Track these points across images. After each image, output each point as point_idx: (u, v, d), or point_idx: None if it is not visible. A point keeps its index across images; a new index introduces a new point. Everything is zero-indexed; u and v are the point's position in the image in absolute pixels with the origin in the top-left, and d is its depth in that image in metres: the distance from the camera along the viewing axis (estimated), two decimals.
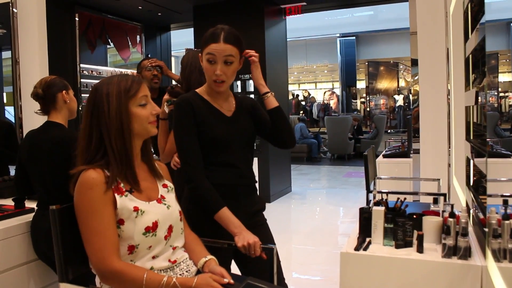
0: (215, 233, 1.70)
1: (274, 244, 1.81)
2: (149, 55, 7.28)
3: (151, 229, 1.38)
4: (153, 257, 1.40)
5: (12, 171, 3.08)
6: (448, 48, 3.37)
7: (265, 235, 1.82)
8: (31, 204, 2.31)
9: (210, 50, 1.67)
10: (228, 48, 1.66)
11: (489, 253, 1.67)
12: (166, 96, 2.37)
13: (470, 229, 2.07)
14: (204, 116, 1.74)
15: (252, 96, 6.17)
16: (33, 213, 2.19)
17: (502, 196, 2.09)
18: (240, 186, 1.79)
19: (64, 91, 2.18)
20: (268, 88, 1.85)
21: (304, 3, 6.44)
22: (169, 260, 1.44)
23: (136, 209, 1.36)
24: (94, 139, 1.38)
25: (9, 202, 2.39)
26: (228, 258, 1.79)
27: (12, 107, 5.02)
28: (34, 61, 5.22)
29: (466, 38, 2.28)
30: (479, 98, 1.97)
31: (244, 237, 1.60)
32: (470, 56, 2.17)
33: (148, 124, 1.45)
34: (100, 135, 1.38)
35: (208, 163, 1.74)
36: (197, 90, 1.83)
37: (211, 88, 1.76)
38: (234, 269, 1.80)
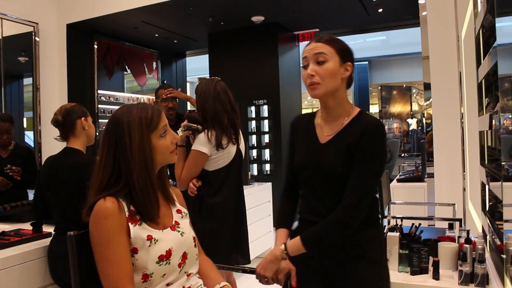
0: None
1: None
2: (165, 81, 7.41)
3: (165, 257, 1.38)
4: (167, 284, 1.40)
5: (31, 195, 3.13)
6: (460, 72, 3.38)
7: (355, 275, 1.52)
8: (48, 229, 2.34)
9: (303, 53, 1.54)
10: (318, 46, 1.50)
11: (507, 281, 1.65)
12: (184, 122, 2.41)
13: (487, 255, 2.04)
14: (298, 139, 1.65)
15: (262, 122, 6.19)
16: (51, 238, 2.22)
17: None
18: (309, 221, 1.55)
19: (83, 118, 2.24)
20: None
21: (317, 30, 6.52)
22: (183, 287, 1.44)
23: (149, 238, 1.37)
24: (116, 171, 1.38)
25: (27, 227, 2.43)
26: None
27: (32, 132, 5.14)
28: (53, 88, 5.37)
29: (478, 62, 2.29)
30: (493, 122, 1.97)
31: (262, 266, 1.55)
32: (483, 80, 2.18)
33: (169, 154, 1.45)
34: (123, 169, 1.37)
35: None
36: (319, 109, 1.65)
37: (321, 104, 1.58)
38: None
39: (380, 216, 1.60)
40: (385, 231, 2.10)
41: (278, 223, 1.66)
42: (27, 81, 5.24)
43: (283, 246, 1.52)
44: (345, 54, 1.51)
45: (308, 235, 1.49)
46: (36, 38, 5.09)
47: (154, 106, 1.45)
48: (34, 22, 5.06)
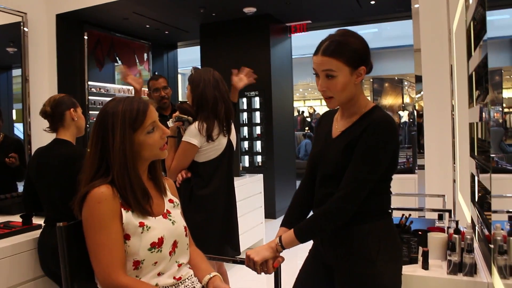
0: None
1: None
2: (156, 72, 7.36)
3: (157, 244, 1.39)
4: (158, 274, 1.41)
5: (20, 187, 3.11)
6: (451, 65, 3.39)
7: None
8: (38, 221, 2.33)
9: (313, 63, 1.49)
10: (325, 61, 1.43)
11: (494, 270, 1.67)
12: (175, 113, 2.41)
13: (476, 245, 2.06)
14: (318, 132, 1.66)
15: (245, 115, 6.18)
16: (41, 230, 2.21)
17: (507, 212, 2.08)
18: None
19: (72, 109, 2.22)
20: None
21: (309, 21, 6.51)
22: (174, 277, 1.44)
23: (142, 225, 1.37)
24: (104, 165, 1.39)
25: (16, 219, 2.41)
26: None
27: (21, 124, 5.09)
28: (43, 79, 5.31)
29: (469, 55, 2.30)
30: (483, 114, 1.98)
31: (255, 251, 1.55)
32: (474, 73, 2.19)
33: (158, 150, 1.45)
34: (107, 165, 1.39)
35: None
36: None
37: None
38: None
39: (385, 212, 1.53)
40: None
41: (282, 220, 1.66)
42: (16, 72, 5.18)
43: (277, 239, 1.53)
44: (356, 60, 1.44)
45: (300, 228, 1.50)
46: (25, 29, 5.02)
47: (141, 102, 1.43)
48: (23, 12, 4.99)
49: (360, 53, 1.45)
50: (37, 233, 2.21)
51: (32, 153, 2.29)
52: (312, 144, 1.72)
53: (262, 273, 1.56)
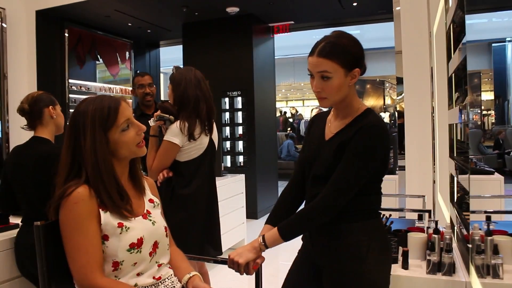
0: None
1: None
2: (138, 71, 7.30)
3: (136, 245, 1.37)
4: (138, 274, 1.39)
5: None
6: (432, 67, 3.44)
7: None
8: (15, 220, 2.28)
9: (308, 63, 1.49)
10: (320, 62, 1.44)
11: (472, 269, 1.70)
12: (157, 112, 2.39)
13: (455, 245, 2.09)
14: (310, 134, 1.66)
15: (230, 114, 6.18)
16: (18, 229, 2.16)
17: (485, 212, 2.12)
18: None
19: (51, 107, 2.18)
20: None
21: (292, 22, 6.53)
22: (154, 277, 1.43)
23: (120, 225, 1.35)
24: (75, 169, 1.37)
25: None
26: None
27: None
28: (22, 76, 5.21)
29: (449, 57, 2.33)
30: (462, 116, 2.01)
31: (238, 253, 1.54)
32: (453, 75, 2.22)
33: (136, 147, 1.42)
34: (80, 167, 1.36)
35: None
36: None
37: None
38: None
39: (375, 211, 1.56)
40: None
41: (268, 218, 1.66)
42: None
43: (261, 238, 1.52)
44: (350, 62, 1.45)
45: (284, 226, 1.50)
46: (3, 24, 4.92)
47: (113, 100, 1.41)
48: (1, 7, 4.89)
49: (355, 55, 1.46)
50: (14, 233, 2.17)
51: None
52: (302, 146, 1.73)
53: (244, 273, 1.55)
